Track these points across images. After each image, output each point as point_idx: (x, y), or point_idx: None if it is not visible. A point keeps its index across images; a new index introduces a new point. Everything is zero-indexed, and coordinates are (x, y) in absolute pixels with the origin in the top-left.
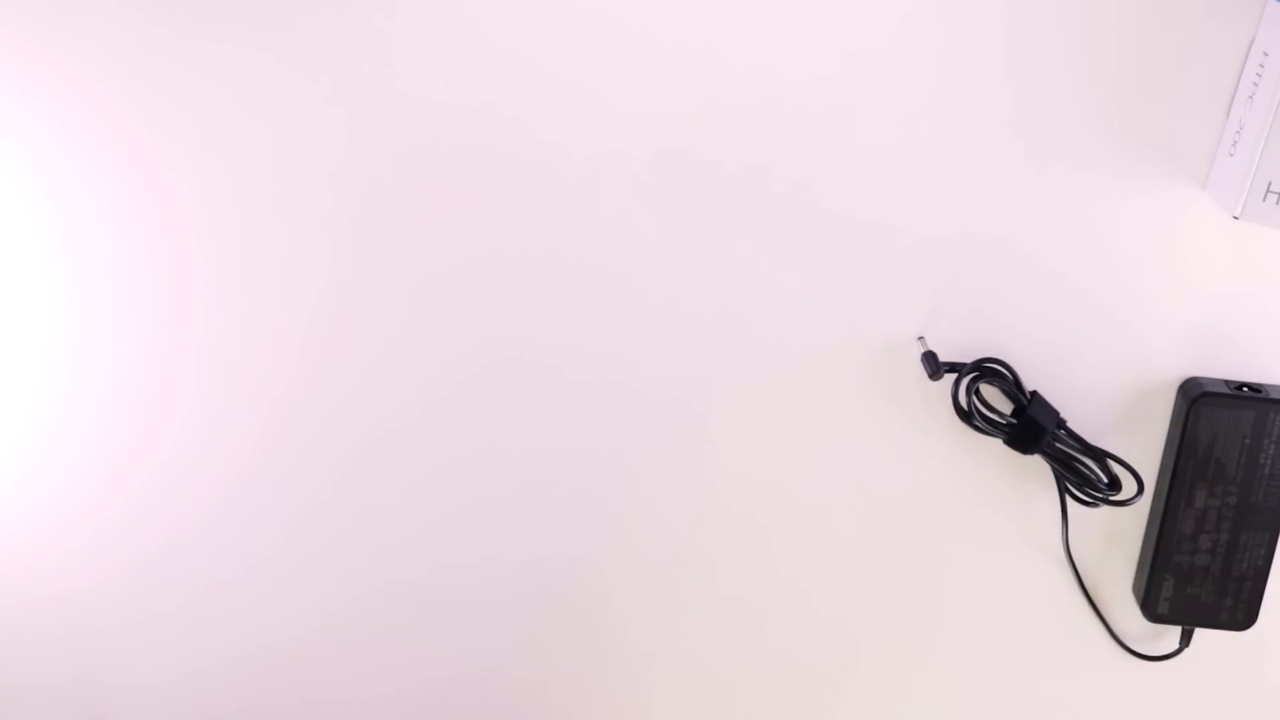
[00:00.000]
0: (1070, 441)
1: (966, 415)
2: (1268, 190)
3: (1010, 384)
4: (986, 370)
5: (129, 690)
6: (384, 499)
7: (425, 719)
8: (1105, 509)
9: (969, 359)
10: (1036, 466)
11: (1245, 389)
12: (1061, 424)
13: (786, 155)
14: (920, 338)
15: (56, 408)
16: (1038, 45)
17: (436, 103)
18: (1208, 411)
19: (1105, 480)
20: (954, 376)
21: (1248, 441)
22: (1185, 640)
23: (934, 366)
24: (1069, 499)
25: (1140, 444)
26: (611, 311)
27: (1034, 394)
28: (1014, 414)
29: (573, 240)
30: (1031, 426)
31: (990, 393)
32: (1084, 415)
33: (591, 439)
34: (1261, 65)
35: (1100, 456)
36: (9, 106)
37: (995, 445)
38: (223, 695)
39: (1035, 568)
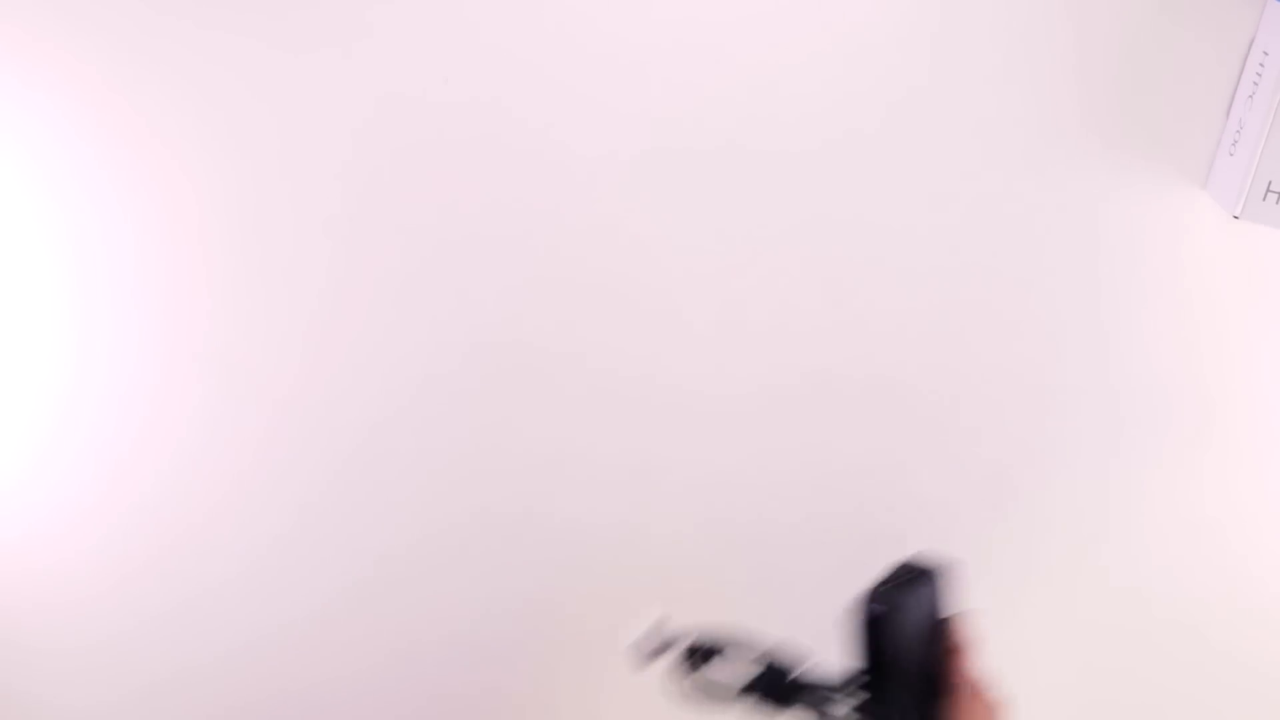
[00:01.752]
0: (811, 687)
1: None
2: (1268, 190)
3: (733, 657)
4: (703, 652)
5: (134, 689)
6: (385, 496)
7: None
8: None
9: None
10: None
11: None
12: (794, 682)
13: (786, 155)
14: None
15: (62, 409)
16: (1037, 46)
17: (435, 103)
18: (883, 626)
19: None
20: (679, 662)
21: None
22: None
23: (654, 654)
24: None
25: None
26: (606, 304)
27: (766, 669)
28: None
29: (569, 236)
30: (771, 696)
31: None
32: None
33: (587, 433)
34: (1261, 65)
35: (831, 690)
36: (12, 102)
37: None
38: (223, 688)
39: None
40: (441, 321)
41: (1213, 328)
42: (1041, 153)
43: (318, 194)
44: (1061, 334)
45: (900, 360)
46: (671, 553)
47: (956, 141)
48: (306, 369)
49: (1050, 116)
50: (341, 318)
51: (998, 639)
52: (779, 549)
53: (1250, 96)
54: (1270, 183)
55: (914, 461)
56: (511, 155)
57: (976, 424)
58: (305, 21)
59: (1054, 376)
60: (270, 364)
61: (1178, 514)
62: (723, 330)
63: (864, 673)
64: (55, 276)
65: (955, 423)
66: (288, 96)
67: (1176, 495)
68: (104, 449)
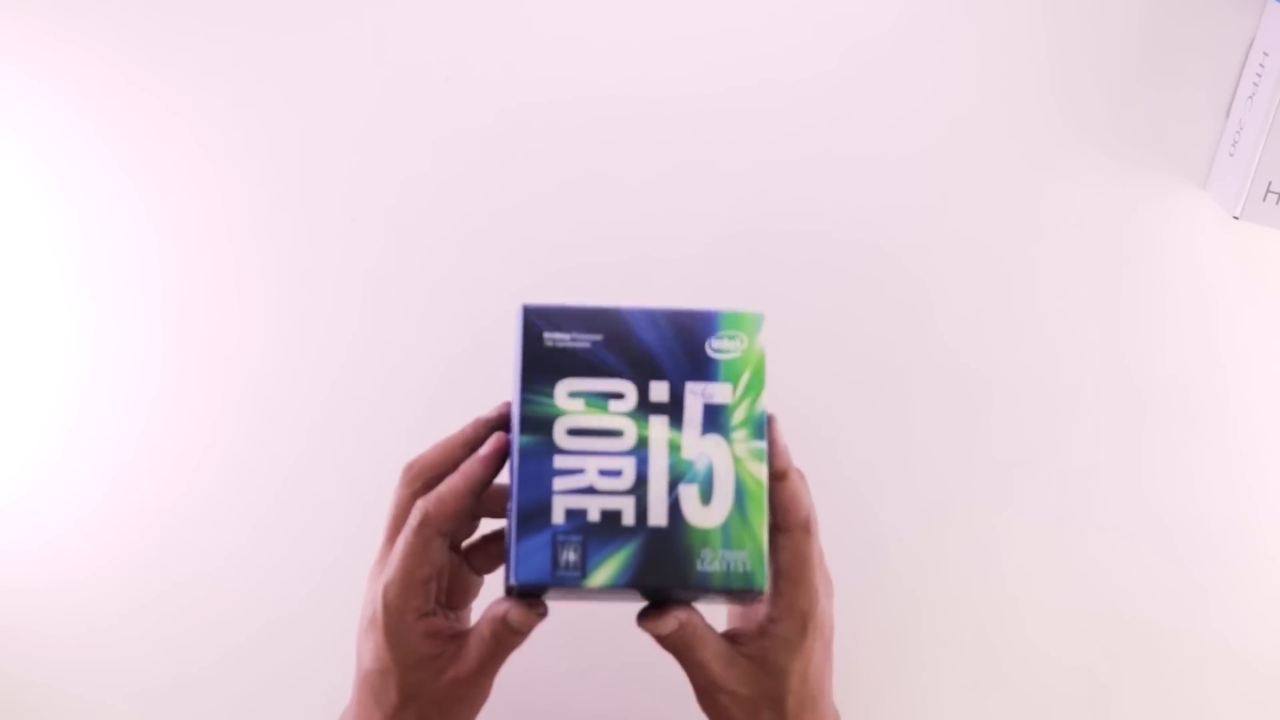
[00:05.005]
0: None
1: None
2: (1268, 190)
3: None
4: None
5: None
6: None
7: None
8: None
9: None
10: None
11: None
12: None
13: (782, 157)
14: None
15: (75, 422)
16: (1038, 46)
17: (450, 100)
18: None
19: None
20: None
21: None
22: None
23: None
24: None
25: None
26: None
27: None
28: None
29: (571, 234)
30: None
31: None
32: None
33: None
34: (1261, 65)
35: None
36: (25, 100)
37: None
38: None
39: None
40: (486, 326)
41: (1212, 329)
42: (1040, 153)
43: (352, 192)
44: (1056, 335)
45: (897, 359)
46: None
47: (955, 142)
48: (346, 378)
49: (1049, 116)
50: (383, 322)
51: (1013, 638)
52: None
53: (1250, 97)
54: (1270, 183)
55: (920, 460)
56: (519, 155)
57: (972, 424)
58: (326, 13)
59: (1046, 377)
60: (306, 374)
61: (1157, 513)
62: None
63: None
64: (70, 281)
65: (952, 423)
66: (325, 90)
67: (1161, 495)
68: (121, 462)
